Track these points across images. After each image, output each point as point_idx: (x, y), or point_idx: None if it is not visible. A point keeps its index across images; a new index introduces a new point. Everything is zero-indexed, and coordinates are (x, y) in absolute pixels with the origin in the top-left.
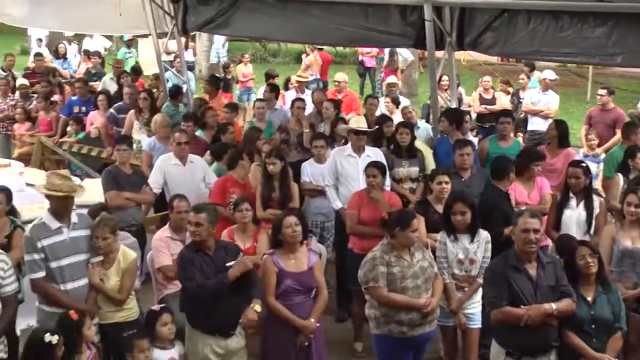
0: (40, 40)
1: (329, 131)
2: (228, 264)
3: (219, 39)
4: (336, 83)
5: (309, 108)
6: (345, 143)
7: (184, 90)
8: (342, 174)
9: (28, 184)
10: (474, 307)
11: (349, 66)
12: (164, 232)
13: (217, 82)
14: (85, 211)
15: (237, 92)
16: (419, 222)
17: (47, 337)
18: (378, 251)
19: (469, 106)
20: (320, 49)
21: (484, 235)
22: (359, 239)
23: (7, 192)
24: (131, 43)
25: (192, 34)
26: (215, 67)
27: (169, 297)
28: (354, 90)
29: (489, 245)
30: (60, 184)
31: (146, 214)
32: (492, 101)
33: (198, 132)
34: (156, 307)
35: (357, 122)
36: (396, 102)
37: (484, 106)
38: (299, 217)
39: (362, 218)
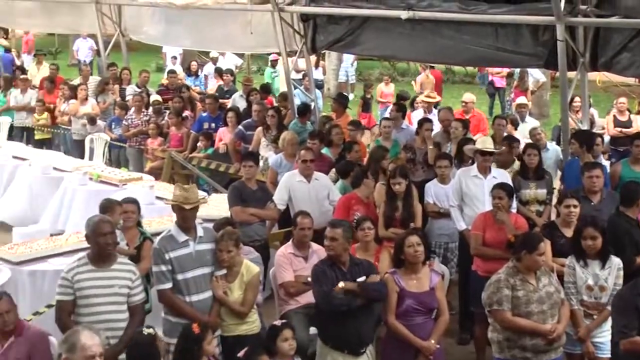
0: (174, 57)
1: (454, 151)
2: (359, 279)
3: (348, 58)
4: (464, 103)
5: (436, 128)
6: (472, 163)
7: (312, 108)
8: (467, 194)
9: (158, 197)
10: (603, 336)
11: (477, 86)
12: (287, 248)
13: (345, 100)
14: (210, 225)
15: (378, 112)
16: (546, 246)
17: (146, 330)
18: (503, 274)
19: (603, 128)
20: (432, 67)
21: (615, 261)
22: (483, 261)
23: (137, 204)
24: (276, 63)
25: (321, 52)
26: (344, 85)
27: (291, 313)
28: (481, 110)
29: (621, 273)
30: (186, 196)
31: (270, 230)
32: (628, 124)
33: (324, 150)
34: (278, 322)
35: (484, 142)
36: (515, 124)
37: (618, 129)
38: (422, 237)
39: (487, 240)
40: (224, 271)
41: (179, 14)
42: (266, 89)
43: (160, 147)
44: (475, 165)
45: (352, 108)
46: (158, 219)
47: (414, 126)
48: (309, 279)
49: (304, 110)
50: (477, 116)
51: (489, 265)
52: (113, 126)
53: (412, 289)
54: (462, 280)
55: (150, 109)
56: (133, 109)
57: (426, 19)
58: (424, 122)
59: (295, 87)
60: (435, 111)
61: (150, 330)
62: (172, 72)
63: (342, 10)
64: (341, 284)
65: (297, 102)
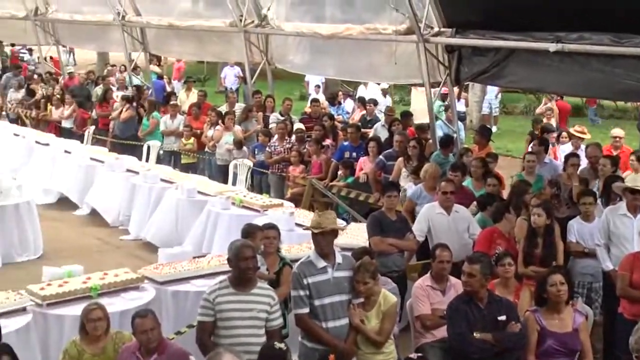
0: (317, 86)
1: (602, 188)
2: (500, 318)
3: (492, 90)
4: (615, 139)
5: (583, 164)
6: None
7: (455, 139)
8: (614, 233)
9: (298, 224)
10: None
11: (629, 122)
12: (425, 280)
13: (488, 132)
14: (349, 253)
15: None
16: None
17: (277, 344)
18: None
19: None
20: (561, 98)
21: None
22: (631, 304)
23: (278, 230)
24: (445, 96)
25: (464, 84)
26: (487, 117)
27: (427, 346)
28: (632, 147)
29: None
30: (319, 221)
31: (408, 261)
32: None
33: (465, 182)
34: (413, 355)
35: (634, 180)
36: None
37: None
38: (565, 275)
39: (635, 281)
40: (362, 299)
41: (324, 44)
42: (407, 119)
43: (302, 174)
44: (624, 203)
45: (494, 141)
46: (297, 245)
47: (559, 160)
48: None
49: (447, 142)
50: (626, 152)
51: (636, 308)
52: (256, 152)
53: (553, 329)
54: (607, 322)
55: (293, 136)
56: (276, 136)
57: (576, 51)
58: (571, 157)
59: (437, 119)
60: (582, 146)
61: (282, 345)
62: (315, 100)
63: (488, 42)
64: (476, 335)
65: (439, 133)
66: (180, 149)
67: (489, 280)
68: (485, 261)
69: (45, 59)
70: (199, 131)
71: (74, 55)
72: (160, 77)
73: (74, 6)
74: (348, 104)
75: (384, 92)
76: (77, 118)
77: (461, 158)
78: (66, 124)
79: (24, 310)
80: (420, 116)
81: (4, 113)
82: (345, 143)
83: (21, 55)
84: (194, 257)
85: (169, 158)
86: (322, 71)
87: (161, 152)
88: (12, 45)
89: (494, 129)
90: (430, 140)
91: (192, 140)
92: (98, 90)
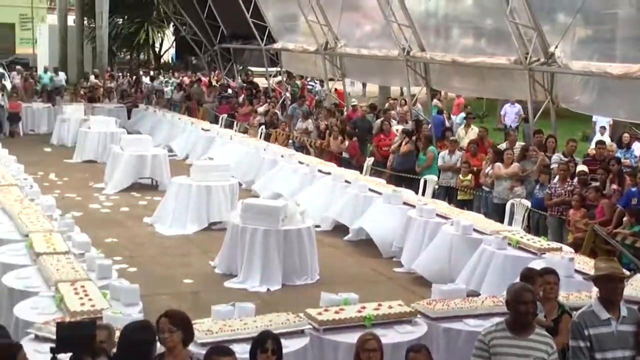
0: (603, 127)
1: None
2: None
3: None
4: None
5: None
6: None
7: None
8: None
9: (577, 271)
10: None
11: None
12: None
13: None
14: (635, 307)
15: None
16: None
17: None
18: None
19: None
20: None
21: None
22: None
23: (557, 275)
24: None
25: None
26: None
27: None
28: None
29: None
30: (615, 267)
31: None
32: None
33: None
34: None
35: None
36: None
37: None
38: None
39: None
40: None
41: (614, 84)
42: None
43: (583, 219)
44: None
45: None
46: (576, 293)
47: None
48: None
49: None
50: None
51: None
52: (535, 192)
53: None
54: None
55: (575, 179)
56: (557, 177)
57: None
58: None
59: None
60: None
61: None
62: (600, 142)
63: None
64: None
65: None
66: (457, 185)
67: None
68: None
69: (330, 91)
70: (475, 168)
71: (365, 87)
72: (440, 111)
73: (361, 41)
74: (637, 148)
75: None
76: (350, 149)
77: None
78: (346, 154)
79: (302, 332)
80: None
81: (290, 141)
82: (633, 189)
83: (310, 86)
84: (468, 296)
85: (445, 193)
86: (610, 112)
87: (437, 186)
88: (302, 77)
89: None
90: None
91: (469, 176)
92: (379, 123)
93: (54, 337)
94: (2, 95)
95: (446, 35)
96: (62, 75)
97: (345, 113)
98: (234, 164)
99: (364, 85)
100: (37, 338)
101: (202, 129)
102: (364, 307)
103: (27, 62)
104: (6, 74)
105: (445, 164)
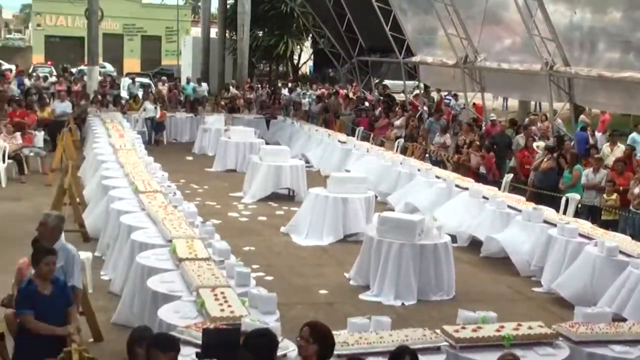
0: None
1: None
2: None
3: None
4: None
5: None
6: None
7: None
8: None
9: None
10: None
11: None
12: None
13: None
14: None
15: None
16: None
17: None
18: None
19: None
20: None
21: None
22: None
23: None
24: None
25: None
26: None
27: None
28: None
29: None
30: None
31: None
32: None
33: None
34: None
35: None
36: None
37: None
38: None
39: None
40: None
41: None
42: None
43: None
44: None
45: None
46: None
47: None
48: None
49: None
50: None
51: None
52: None
53: None
54: None
55: None
56: None
57: None
58: None
59: None
60: None
61: None
62: None
63: None
64: None
65: None
66: (601, 204)
67: None
68: None
69: (468, 105)
70: (622, 187)
71: (506, 101)
72: (585, 128)
73: (501, 55)
74: None
75: None
76: (486, 163)
77: None
78: (483, 170)
79: (438, 349)
80: None
81: (427, 155)
82: None
83: (447, 100)
84: (613, 321)
85: (588, 212)
86: None
87: (579, 205)
88: (438, 91)
89: None
90: None
91: (614, 196)
92: (519, 139)
93: (195, 340)
94: (155, 107)
95: (591, 49)
96: (204, 85)
97: (483, 128)
98: (371, 176)
99: (505, 99)
100: (179, 341)
101: (339, 140)
102: (502, 327)
103: (172, 73)
104: (152, 84)
105: (589, 182)
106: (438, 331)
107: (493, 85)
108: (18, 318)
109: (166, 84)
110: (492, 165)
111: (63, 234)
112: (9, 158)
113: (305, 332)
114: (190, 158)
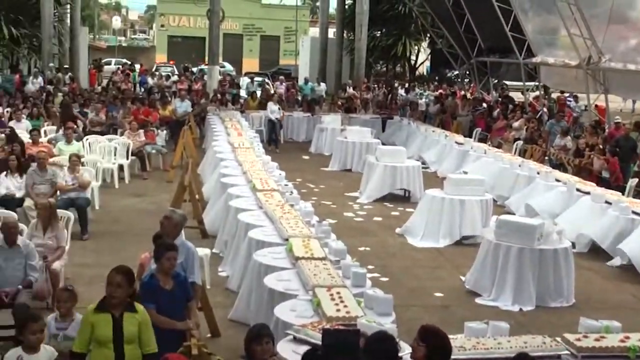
0: None
1: None
2: None
3: None
4: None
5: None
6: None
7: None
8: None
9: None
10: None
11: None
12: None
13: None
14: None
15: None
16: None
17: None
18: None
19: None
20: None
21: None
22: None
23: None
24: None
25: None
26: None
27: None
28: None
29: None
30: None
31: None
32: None
33: None
34: None
35: None
36: None
37: None
38: None
39: None
40: None
41: None
42: None
43: None
44: None
45: None
46: None
47: None
48: None
49: None
50: None
51: None
52: None
53: None
54: None
55: None
56: None
57: None
58: None
59: None
60: None
61: None
62: None
63: None
64: None
65: None
66: None
67: None
68: None
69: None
70: None
71: (634, 104)
72: None
73: (628, 55)
74: None
75: None
76: (610, 166)
77: None
78: (606, 174)
79: (558, 358)
80: None
81: (546, 158)
82: None
83: (567, 102)
84: None
85: None
86: None
87: None
88: (561, 92)
89: None
90: None
91: None
92: None
93: (311, 340)
94: (279, 108)
95: None
96: (323, 85)
97: (606, 130)
98: (488, 178)
99: (634, 101)
100: (295, 340)
101: (456, 142)
102: (627, 337)
103: (290, 73)
104: (268, 82)
105: None
106: (558, 339)
107: (618, 87)
108: None
109: (284, 84)
110: (616, 170)
111: (183, 231)
112: (132, 155)
113: (418, 334)
114: (306, 157)
